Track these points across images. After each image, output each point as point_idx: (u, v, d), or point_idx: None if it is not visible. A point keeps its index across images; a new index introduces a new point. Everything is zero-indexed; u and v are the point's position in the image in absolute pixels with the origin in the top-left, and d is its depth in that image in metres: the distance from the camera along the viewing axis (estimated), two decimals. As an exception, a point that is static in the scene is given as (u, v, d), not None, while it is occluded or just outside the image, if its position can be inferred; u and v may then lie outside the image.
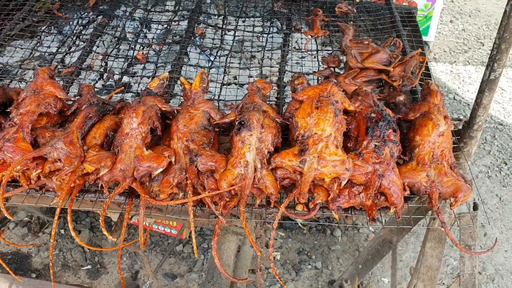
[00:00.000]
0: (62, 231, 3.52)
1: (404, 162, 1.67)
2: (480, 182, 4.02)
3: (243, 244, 2.51)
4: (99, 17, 2.79)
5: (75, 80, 2.25)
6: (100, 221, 1.57)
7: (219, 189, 1.53)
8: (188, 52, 2.57)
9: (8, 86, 1.91)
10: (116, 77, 2.38)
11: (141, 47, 2.59)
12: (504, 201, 3.89)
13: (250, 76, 2.43)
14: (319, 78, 2.23)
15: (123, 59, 2.47)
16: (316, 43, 2.61)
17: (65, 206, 1.59)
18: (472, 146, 1.90)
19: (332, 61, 2.24)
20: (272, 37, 2.69)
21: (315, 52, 2.52)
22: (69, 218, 1.56)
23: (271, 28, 2.78)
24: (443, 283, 3.24)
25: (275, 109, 1.81)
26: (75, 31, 2.71)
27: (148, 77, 2.32)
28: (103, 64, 2.47)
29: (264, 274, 2.10)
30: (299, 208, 1.56)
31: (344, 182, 1.53)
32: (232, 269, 2.30)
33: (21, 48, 2.52)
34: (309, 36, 2.59)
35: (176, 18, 2.81)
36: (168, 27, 2.73)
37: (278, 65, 2.42)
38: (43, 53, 2.53)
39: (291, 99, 1.79)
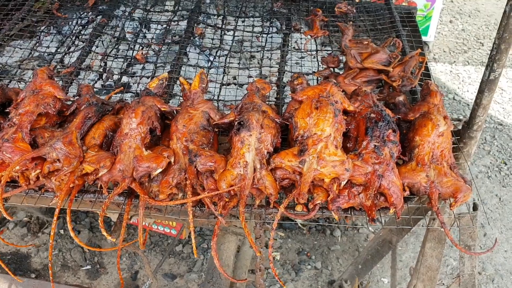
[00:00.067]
0: (62, 231, 3.52)
1: (403, 162, 1.66)
2: (479, 182, 4.02)
3: (242, 244, 2.51)
4: (98, 17, 2.79)
5: (74, 80, 2.25)
6: (99, 221, 1.57)
7: (218, 189, 1.53)
8: (188, 52, 2.56)
9: (7, 86, 1.91)
10: (115, 77, 2.38)
11: (141, 47, 2.59)
12: (504, 201, 3.89)
13: (249, 76, 2.42)
14: (319, 78, 2.23)
15: (122, 59, 2.47)
16: (316, 43, 2.61)
17: (64, 206, 1.59)
18: (471, 146, 1.90)
19: (331, 61, 2.24)
20: (271, 37, 2.68)
21: (315, 52, 2.52)
22: (68, 218, 1.56)
23: (271, 28, 2.78)
24: (443, 284, 3.24)
25: (275, 109, 1.81)
26: (74, 31, 2.71)
27: (148, 77, 2.31)
28: (102, 64, 2.46)
29: (264, 274, 2.09)
30: (299, 208, 1.56)
31: (343, 183, 1.52)
32: (231, 269, 2.29)
33: (20, 48, 2.52)
34: (309, 36, 2.59)
35: (175, 18, 2.81)
36: (168, 27, 2.72)
37: (277, 65, 2.42)
38: (42, 53, 2.53)
39: (290, 99, 1.79)
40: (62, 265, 3.34)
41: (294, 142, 1.61)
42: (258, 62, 2.63)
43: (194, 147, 1.60)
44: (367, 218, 1.54)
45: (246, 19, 2.83)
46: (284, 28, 2.73)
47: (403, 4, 4.17)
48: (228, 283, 2.20)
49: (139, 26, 2.76)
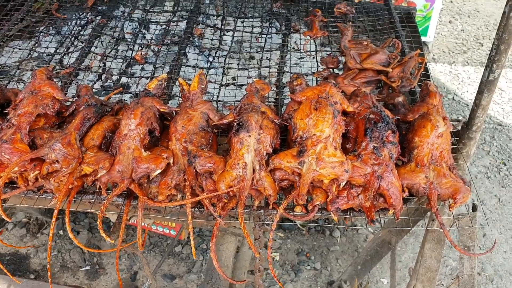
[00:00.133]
0: (61, 232, 3.52)
1: (403, 163, 1.66)
2: (479, 182, 4.02)
3: (242, 245, 2.50)
4: (97, 18, 2.79)
5: (73, 81, 2.25)
6: (98, 222, 1.56)
7: (217, 190, 1.52)
8: (187, 53, 2.56)
9: (6, 87, 1.91)
10: (115, 78, 2.38)
11: (140, 48, 2.59)
12: (503, 201, 3.89)
13: (248, 77, 2.42)
14: (318, 79, 2.23)
15: (121, 60, 2.47)
16: (315, 43, 2.61)
17: (63, 207, 1.58)
18: (471, 147, 1.90)
19: (331, 62, 2.24)
20: (271, 37, 2.68)
21: (314, 52, 2.52)
22: (67, 220, 1.56)
23: (270, 28, 2.77)
24: (442, 284, 3.24)
25: (274, 110, 1.81)
26: (73, 32, 2.71)
27: (147, 78, 2.31)
28: (102, 64, 2.46)
29: (263, 275, 2.09)
30: (298, 209, 1.56)
31: (342, 184, 1.52)
32: (231, 270, 2.29)
33: (19, 49, 2.51)
34: (308, 37, 2.59)
35: (174, 19, 2.81)
36: (167, 27, 2.72)
37: (277, 66, 2.42)
38: (41, 54, 2.53)
39: (289, 100, 1.79)
40: (61, 265, 3.33)
41: (293, 143, 1.61)
42: (257, 63, 2.63)
43: (193, 148, 1.60)
44: (366, 219, 1.54)
45: (246, 20, 2.83)
46: (283, 29, 2.73)
47: (403, 4, 4.17)
48: (228, 284, 2.20)
49: (138, 26, 2.76)
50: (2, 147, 1.55)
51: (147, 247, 3.47)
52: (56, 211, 1.53)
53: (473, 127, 1.85)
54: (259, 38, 2.71)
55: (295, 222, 3.58)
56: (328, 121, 1.56)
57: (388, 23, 2.68)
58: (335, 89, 1.71)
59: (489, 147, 4.38)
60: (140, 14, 2.86)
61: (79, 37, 2.66)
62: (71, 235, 1.54)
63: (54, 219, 1.54)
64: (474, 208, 1.86)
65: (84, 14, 2.86)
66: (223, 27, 2.76)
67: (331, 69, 2.25)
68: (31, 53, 2.51)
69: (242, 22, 2.81)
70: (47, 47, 2.56)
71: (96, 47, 2.57)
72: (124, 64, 2.45)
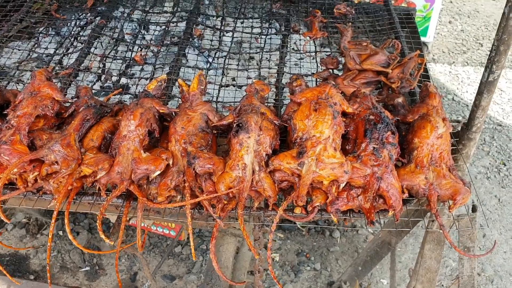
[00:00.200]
0: (61, 233, 3.52)
1: (402, 164, 1.66)
2: (479, 183, 4.01)
3: (241, 245, 2.50)
4: (97, 18, 2.78)
5: (73, 82, 2.25)
6: (97, 224, 1.56)
7: (217, 191, 1.52)
8: (186, 54, 2.56)
9: (5, 88, 1.90)
10: (114, 78, 2.38)
11: (139, 49, 2.59)
12: (503, 202, 3.88)
13: (248, 78, 2.42)
14: (318, 79, 2.23)
15: (121, 61, 2.47)
16: (315, 44, 2.61)
17: (63, 209, 1.58)
18: (470, 148, 1.90)
19: (330, 62, 2.23)
20: (270, 38, 2.68)
21: (314, 53, 2.51)
22: (66, 221, 1.56)
23: (270, 29, 2.77)
24: (442, 285, 3.24)
25: (273, 111, 1.81)
26: (73, 33, 2.71)
27: (146, 79, 2.31)
28: (101, 65, 2.46)
29: (263, 276, 2.09)
30: (298, 210, 1.56)
31: (342, 185, 1.52)
32: (230, 270, 2.29)
33: (19, 49, 2.51)
34: (308, 38, 2.58)
35: (174, 19, 2.81)
36: (166, 28, 2.72)
37: (276, 67, 2.42)
38: (41, 55, 2.52)
39: (289, 101, 1.79)
40: (61, 266, 3.33)
41: (293, 144, 1.61)
42: (257, 64, 2.63)
43: (193, 149, 1.60)
44: (366, 220, 1.54)
45: (245, 20, 2.83)
46: (283, 29, 2.73)
47: (402, 5, 4.16)
48: (227, 284, 2.20)
49: (138, 27, 2.76)
50: (2, 148, 1.54)
51: (147, 247, 3.46)
52: (55, 213, 1.53)
53: (473, 128, 1.84)
54: (259, 39, 2.71)
55: (295, 223, 3.57)
56: (328, 122, 1.56)
57: (387, 24, 2.67)
58: (335, 90, 1.70)
59: (489, 147, 4.38)
60: (139, 15, 2.86)
61: (79, 38, 2.66)
62: (70, 237, 1.54)
63: (53, 220, 1.54)
64: (474, 209, 1.86)
65: (84, 14, 2.86)
66: (222, 27, 2.76)
67: (330, 70, 2.24)
68: (31, 54, 2.50)
69: (242, 22, 2.81)
70: (46, 48, 2.56)
71: (96, 48, 2.57)
72: (124, 65, 2.45)
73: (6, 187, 1.63)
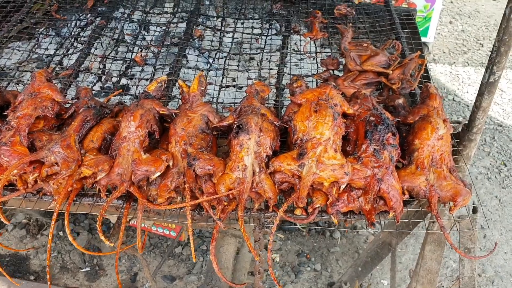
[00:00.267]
0: (61, 233, 3.51)
1: (403, 165, 1.66)
2: (479, 183, 4.01)
3: (242, 246, 2.50)
4: (97, 19, 2.78)
5: (73, 83, 2.24)
6: (97, 225, 1.56)
7: (217, 193, 1.52)
8: (187, 54, 2.56)
9: (5, 89, 1.90)
10: (114, 79, 2.37)
11: (140, 49, 2.58)
12: (504, 202, 3.88)
13: (248, 79, 2.42)
14: (318, 80, 2.23)
15: (121, 61, 2.47)
16: (315, 45, 2.60)
17: (63, 210, 1.58)
18: (471, 149, 1.89)
19: (331, 63, 2.23)
20: (271, 39, 2.68)
21: (314, 54, 2.51)
22: (66, 222, 1.55)
23: (270, 30, 2.77)
24: (443, 286, 3.24)
25: (274, 112, 1.80)
26: (73, 33, 2.70)
27: (146, 80, 2.31)
28: (101, 66, 2.46)
29: (263, 277, 2.09)
30: (298, 212, 1.55)
31: (343, 186, 1.52)
32: (231, 271, 2.29)
33: (19, 50, 2.51)
34: (308, 38, 2.58)
35: (174, 20, 2.80)
36: (167, 29, 2.72)
37: (276, 67, 2.42)
38: (41, 55, 2.52)
39: (289, 102, 1.79)
40: (61, 267, 3.33)
41: (293, 145, 1.60)
42: (257, 64, 2.62)
43: (193, 150, 1.59)
44: (367, 222, 1.53)
45: (246, 21, 2.82)
46: (283, 30, 2.72)
47: (403, 5, 4.16)
48: (228, 285, 2.20)
49: (138, 28, 2.75)
50: (1, 150, 1.54)
51: (147, 248, 3.46)
52: (55, 214, 1.53)
53: (474, 129, 1.84)
54: (259, 40, 2.71)
55: (295, 224, 3.57)
56: (328, 124, 1.56)
57: (388, 25, 2.67)
58: (335, 91, 1.70)
59: (490, 148, 4.37)
60: (140, 16, 2.86)
61: (79, 39, 2.65)
62: (70, 238, 1.54)
63: (53, 222, 1.54)
64: (475, 210, 1.85)
65: (84, 15, 2.86)
66: (223, 28, 2.76)
67: (331, 71, 2.24)
68: (31, 55, 2.50)
69: (242, 23, 2.81)
70: (46, 49, 2.56)
71: (96, 49, 2.57)
72: (124, 66, 2.45)
73: (6, 188, 1.63)
